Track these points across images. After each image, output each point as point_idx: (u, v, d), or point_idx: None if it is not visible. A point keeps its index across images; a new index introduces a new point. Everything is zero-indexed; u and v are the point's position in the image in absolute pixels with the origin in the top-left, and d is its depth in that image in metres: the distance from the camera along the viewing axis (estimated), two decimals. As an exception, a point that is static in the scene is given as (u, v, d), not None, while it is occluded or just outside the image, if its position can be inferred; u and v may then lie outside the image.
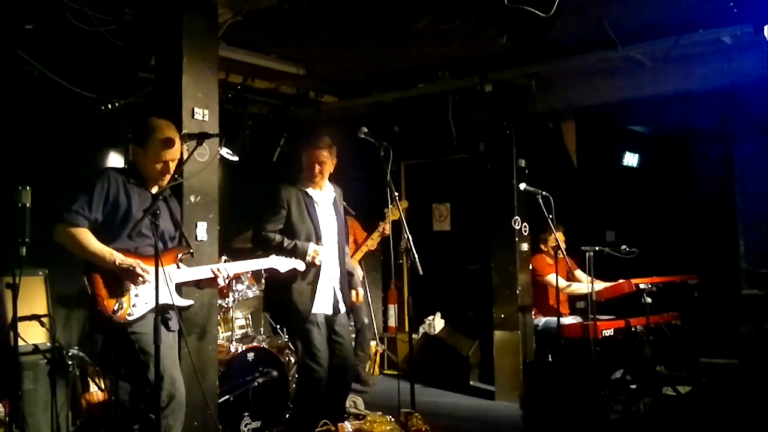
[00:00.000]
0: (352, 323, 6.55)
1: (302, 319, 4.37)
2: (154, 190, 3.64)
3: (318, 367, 4.33)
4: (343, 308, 4.58)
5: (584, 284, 6.18)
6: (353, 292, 4.89)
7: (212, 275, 3.71)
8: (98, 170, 3.64)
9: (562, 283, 5.90)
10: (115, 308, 3.36)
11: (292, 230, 4.46)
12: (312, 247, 4.37)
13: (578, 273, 6.33)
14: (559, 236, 6.23)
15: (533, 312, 6.43)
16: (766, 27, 4.55)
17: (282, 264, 4.16)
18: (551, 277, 6.19)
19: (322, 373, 4.34)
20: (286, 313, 4.52)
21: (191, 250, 3.77)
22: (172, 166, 3.62)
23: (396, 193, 4.32)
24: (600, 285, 5.71)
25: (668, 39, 5.49)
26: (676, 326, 6.00)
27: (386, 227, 6.19)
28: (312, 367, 4.33)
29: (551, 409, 4.80)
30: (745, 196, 7.19)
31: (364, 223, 6.71)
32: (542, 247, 6.52)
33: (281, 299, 4.46)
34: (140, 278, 3.39)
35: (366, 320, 6.81)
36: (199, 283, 3.80)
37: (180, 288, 3.68)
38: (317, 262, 4.39)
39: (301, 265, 4.26)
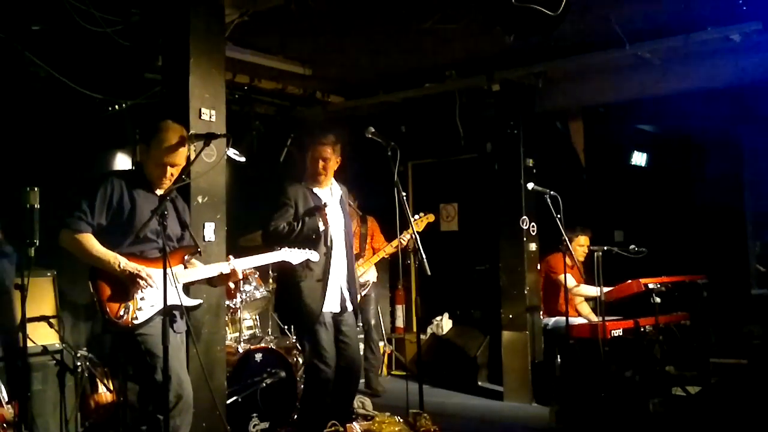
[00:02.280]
0: (360, 324, 6.54)
1: (313, 320, 4.35)
2: (159, 192, 3.60)
3: (326, 368, 4.32)
4: (350, 307, 4.56)
5: (593, 288, 6.13)
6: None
7: (220, 273, 3.69)
8: (101, 174, 3.62)
9: (572, 282, 5.87)
10: (121, 313, 3.35)
11: None
12: (318, 216, 4.36)
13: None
14: (585, 240, 6.21)
15: (542, 312, 6.41)
16: (775, 24, 4.52)
17: (294, 256, 4.10)
18: (563, 277, 6.16)
19: (329, 374, 4.34)
20: (296, 313, 4.51)
21: (198, 249, 3.72)
22: (172, 171, 3.56)
23: (404, 193, 4.26)
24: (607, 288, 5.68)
25: (676, 37, 5.46)
26: (686, 326, 5.97)
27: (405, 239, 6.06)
28: (320, 367, 4.32)
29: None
30: (754, 195, 7.16)
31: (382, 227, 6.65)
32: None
33: (291, 299, 4.45)
34: (144, 283, 3.38)
35: (373, 321, 6.78)
36: (211, 281, 3.78)
37: (188, 288, 3.67)
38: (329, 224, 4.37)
39: (315, 256, 4.23)
